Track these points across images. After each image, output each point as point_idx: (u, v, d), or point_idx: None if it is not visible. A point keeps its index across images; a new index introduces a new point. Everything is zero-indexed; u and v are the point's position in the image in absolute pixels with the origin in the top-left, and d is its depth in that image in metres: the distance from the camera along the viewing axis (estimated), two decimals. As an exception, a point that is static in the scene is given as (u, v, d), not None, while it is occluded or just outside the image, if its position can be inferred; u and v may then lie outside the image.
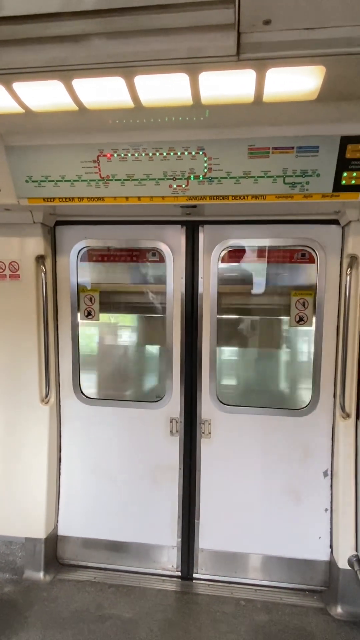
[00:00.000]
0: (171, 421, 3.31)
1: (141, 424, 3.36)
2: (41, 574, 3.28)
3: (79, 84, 1.96)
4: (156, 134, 2.40)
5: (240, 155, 2.44)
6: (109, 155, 2.53)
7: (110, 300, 3.54)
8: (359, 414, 2.95)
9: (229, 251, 3.25)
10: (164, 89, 1.98)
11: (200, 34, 1.66)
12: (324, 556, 3.17)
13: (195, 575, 3.33)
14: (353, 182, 2.46)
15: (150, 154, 2.49)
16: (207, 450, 3.31)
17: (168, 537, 3.36)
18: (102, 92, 2.03)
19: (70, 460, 3.47)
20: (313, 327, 3.15)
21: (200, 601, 3.09)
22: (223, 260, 3.24)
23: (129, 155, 2.51)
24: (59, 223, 3.29)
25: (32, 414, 3.27)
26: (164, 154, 2.48)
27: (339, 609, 2.97)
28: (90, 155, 2.55)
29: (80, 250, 3.33)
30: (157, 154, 2.48)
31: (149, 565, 3.38)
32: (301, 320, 3.18)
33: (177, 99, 2.05)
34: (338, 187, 2.48)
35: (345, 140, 2.33)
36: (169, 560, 3.37)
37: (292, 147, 2.39)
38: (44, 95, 2.07)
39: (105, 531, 3.43)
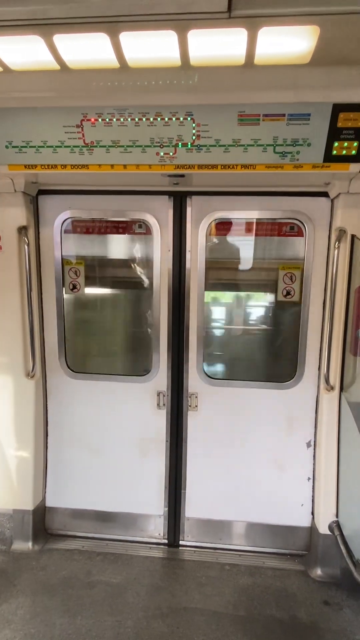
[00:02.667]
0: (158, 394, 3.33)
1: (128, 398, 3.37)
2: (30, 544, 3.33)
3: (60, 40, 1.85)
4: (143, 97, 2.30)
5: (230, 122, 2.36)
6: (93, 119, 2.42)
7: (96, 274, 3.47)
8: (343, 387, 3.01)
9: (217, 224, 3.19)
10: (151, 47, 1.89)
11: None
12: (305, 522, 3.29)
13: (181, 543, 3.42)
14: (344, 152, 2.41)
15: (137, 119, 2.39)
16: (193, 423, 3.35)
17: (155, 506, 3.43)
18: (86, 50, 1.92)
19: (58, 434, 3.47)
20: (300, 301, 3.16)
21: (186, 566, 3.19)
22: (211, 233, 3.19)
23: (114, 120, 2.40)
24: (41, 192, 3.17)
25: (18, 388, 3.23)
26: (151, 119, 2.38)
27: (319, 571, 3.11)
28: (73, 120, 2.43)
29: (64, 221, 3.23)
30: (144, 119, 2.38)
31: (136, 533, 3.46)
32: (288, 295, 3.18)
33: (165, 58, 1.96)
34: (329, 158, 2.43)
35: (337, 108, 2.26)
36: (156, 529, 3.45)
37: (283, 115, 2.32)
38: (23, 52, 1.96)
39: (93, 502, 3.49)
